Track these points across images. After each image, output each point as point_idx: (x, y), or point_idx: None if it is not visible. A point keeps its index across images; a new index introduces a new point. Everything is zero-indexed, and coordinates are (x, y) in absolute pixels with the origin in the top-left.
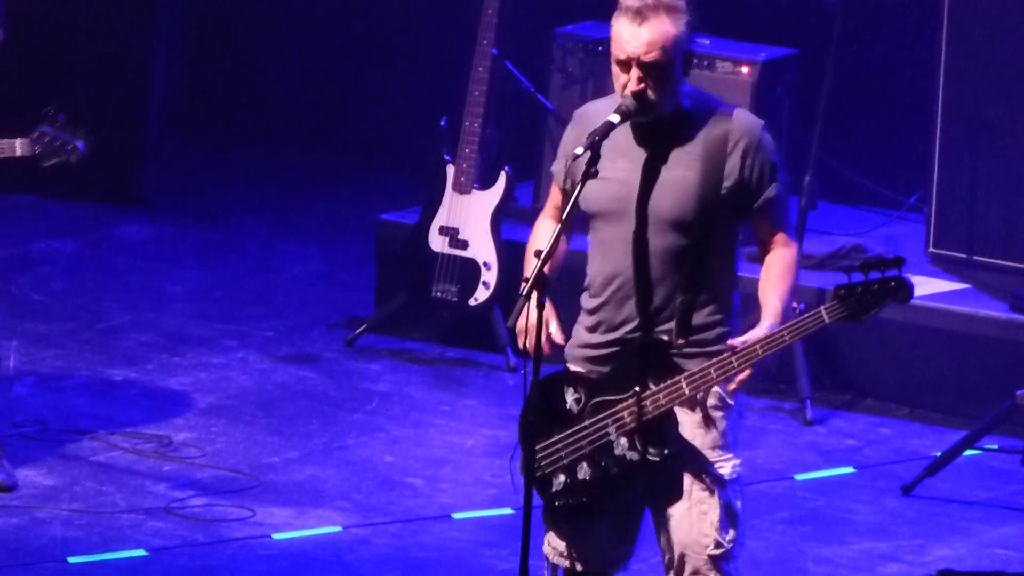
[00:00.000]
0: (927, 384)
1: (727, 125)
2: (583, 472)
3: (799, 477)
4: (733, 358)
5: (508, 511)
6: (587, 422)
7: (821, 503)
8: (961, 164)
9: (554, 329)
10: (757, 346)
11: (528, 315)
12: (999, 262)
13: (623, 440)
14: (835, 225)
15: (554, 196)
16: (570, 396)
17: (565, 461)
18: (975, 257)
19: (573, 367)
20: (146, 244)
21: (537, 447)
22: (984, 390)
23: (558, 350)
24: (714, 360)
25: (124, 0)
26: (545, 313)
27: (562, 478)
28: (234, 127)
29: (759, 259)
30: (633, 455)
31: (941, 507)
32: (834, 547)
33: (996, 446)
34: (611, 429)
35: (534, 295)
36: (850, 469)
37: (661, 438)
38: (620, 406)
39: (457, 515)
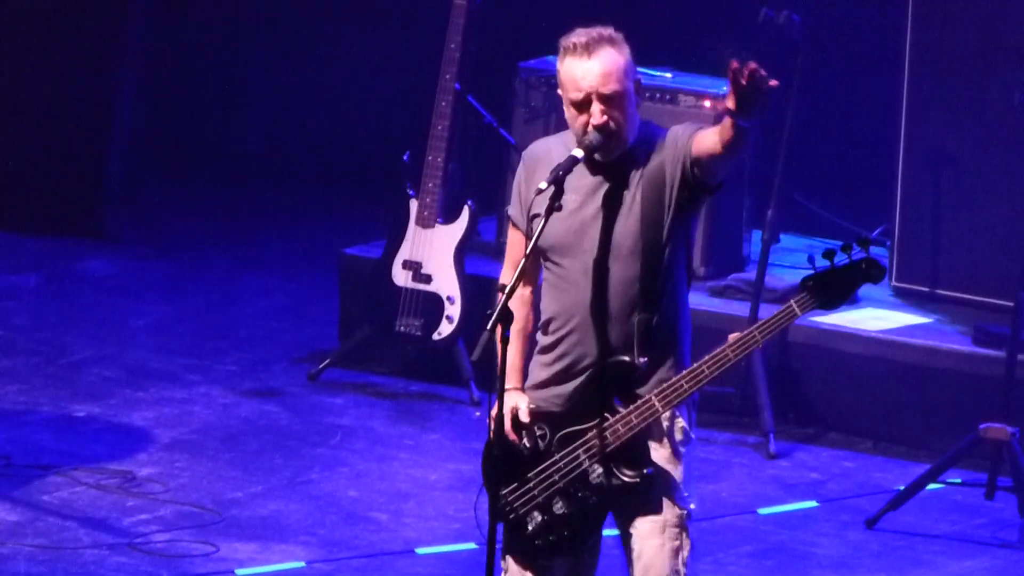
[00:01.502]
0: (891, 417)
1: (661, 144)
2: (559, 507)
3: (763, 511)
4: (704, 367)
5: (472, 546)
6: (556, 456)
7: (785, 537)
8: (924, 198)
9: (523, 413)
10: (728, 350)
11: (498, 409)
12: (962, 295)
13: (598, 468)
14: (797, 258)
15: (513, 245)
16: (532, 432)
17: (539, 499)
18: (938, 291)
19: (534, 405)
20: (109, 279)
21: (506, 491)
22: (947, 423)
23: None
24: (685, 372)
25: (86, 35)
26: (515, 402)
27: (538, 517)
28: (198, 162)
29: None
30: (610, 480)
31: (905, 541)
32: None
33: (959, 480)
34: (584, 459)
35: (498, 329)
36: (813, 503)
37: (635, 460)
38: (589, 435)
39: (421, 550)
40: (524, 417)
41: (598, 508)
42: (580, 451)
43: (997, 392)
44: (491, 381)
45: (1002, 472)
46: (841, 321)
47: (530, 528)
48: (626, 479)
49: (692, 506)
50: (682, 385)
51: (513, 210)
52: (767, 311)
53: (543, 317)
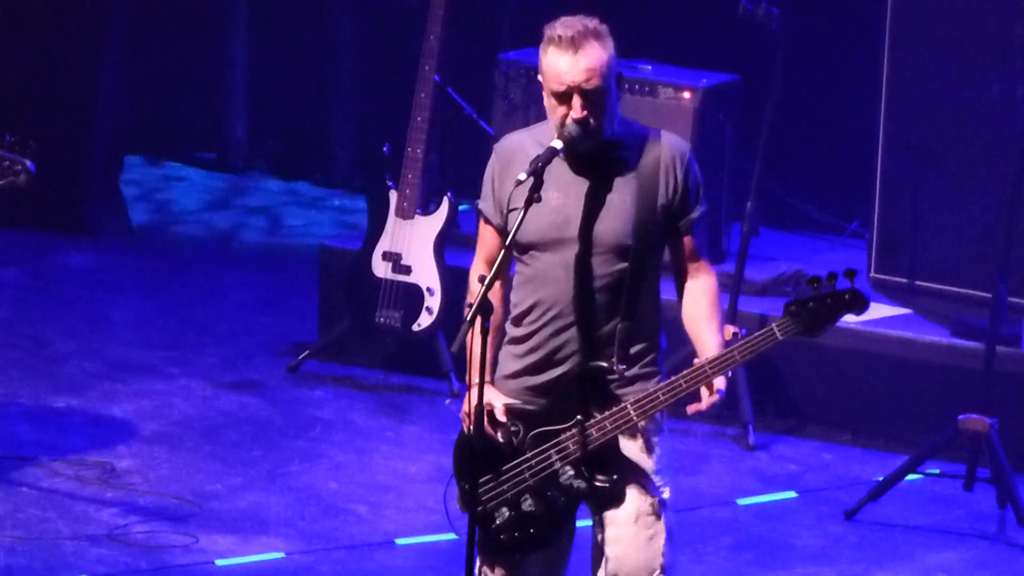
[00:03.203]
0: (869, 409)
1: (657, 147)
2: (528, 504)
3: (742, 502)
4: (682, 380)
5: (452, 537)
6: (529, 455)
7: (764, 529)
8: (902, 190)
9: (499, 411)
10: (707, 366)
11: (478, 401)
12: (940, 287)
13: (569, 470)
14: (776, 251)
15: (485, 240)
16: (506, 428)
17: (508, 495)
18: (916, 283)
19: (506, 399)
20: (90, 272)
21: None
22: (926, 415)
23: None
24: (662, 384)
25: (66, 28)
26: (489, 398)
27: (506, 512)
28: (178, 153)
29: (677, 282)
30: (580, 484)
31: (883, 532)
32: (777, 572)
33: (938, 471)
34: (555, 460)
35: (478, 320)
36: (792, 494)
37: (607, 465)
38: (563, 436)
39: (401, 541)
40: (500, 416)
41: (566, 508)
42: (553, 452)
43: (976, 384)
44: (468, 373)
45: (981, 463)
46: None
47: (497, 522)
48: (596, 483)
49: (665, 494)
50: (659, 396)
51: (484, 204)
52: (747, 304)
53: (517, 309)
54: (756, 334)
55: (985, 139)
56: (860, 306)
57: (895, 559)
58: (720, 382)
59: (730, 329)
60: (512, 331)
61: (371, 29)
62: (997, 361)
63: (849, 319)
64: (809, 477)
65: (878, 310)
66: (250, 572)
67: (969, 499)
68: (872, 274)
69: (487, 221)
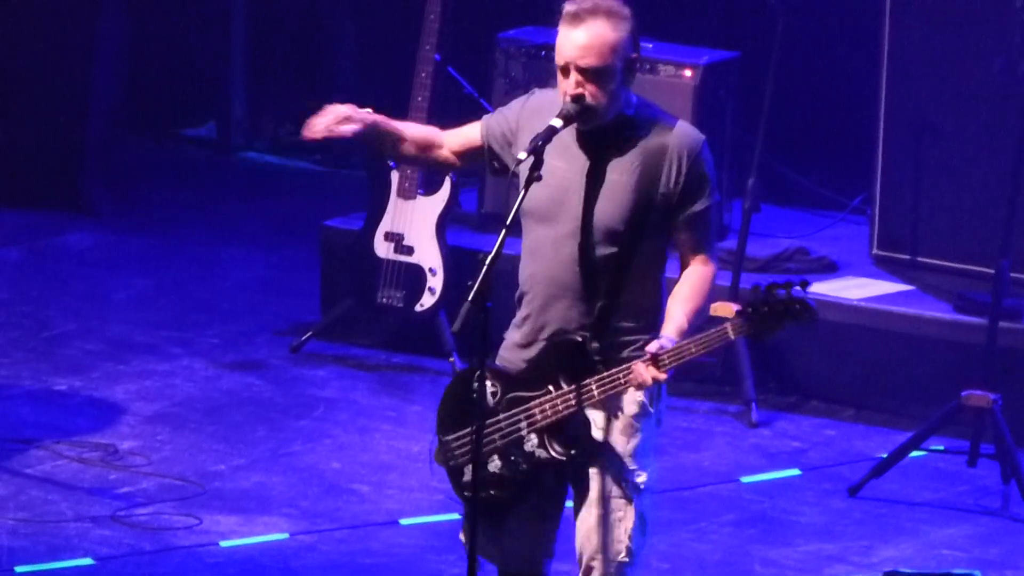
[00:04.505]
0: (872, 385)
1: (667, 136)
2: (493, 465)
3: (745, 479)
4: (640, 366)
5: (455, 516)
6: (501, 416)
7: (767, 505)
8: (904, 166)
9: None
10: (665, 356)
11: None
12: (943, 263)
13: (533, 437)
14: (778, 228)
15: (465, 130)
16: (487, 389)
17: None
18: (919, 259)
19: (498, 362)
20: (90, 251)
21: (450, 437)
22: (929, 391)
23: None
24: (624, 366)
25: (63, 5)
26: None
27: (472, 470)
28: (178, 132)
29: (680, 270)
30: (542, 453)
31: (887, 508)
32: (781, 549)
33: (942, 447)
34: (523, 425)
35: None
36: (796, 471)
37: (569, 438)
38: (533, 403)
39: (404, 521)
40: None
41: (529, 476)
42: (522, 416)
43: (979, 359)
44: (473, 353)
45: (984, 439)
46: (822, 289)
47: (464, 478)
48: (554, 454)
49: (640, 479)
50: (618, 378)
51: (493, 117)
52: (748, 280)
53: (520, 278)
54: (710, 331)
55: (987, 114)
56: (807, 319)
57: (899, 535)
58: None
59: (732, 307)
60: (518, 304)
61: (371, 8)
62: (1000, 336)
63: (852, 294)
64: (812, 454)
65: (881, 286)
66: (254, 552)
67: (973, 475)
68: (874, 251)
69: (484, 128)
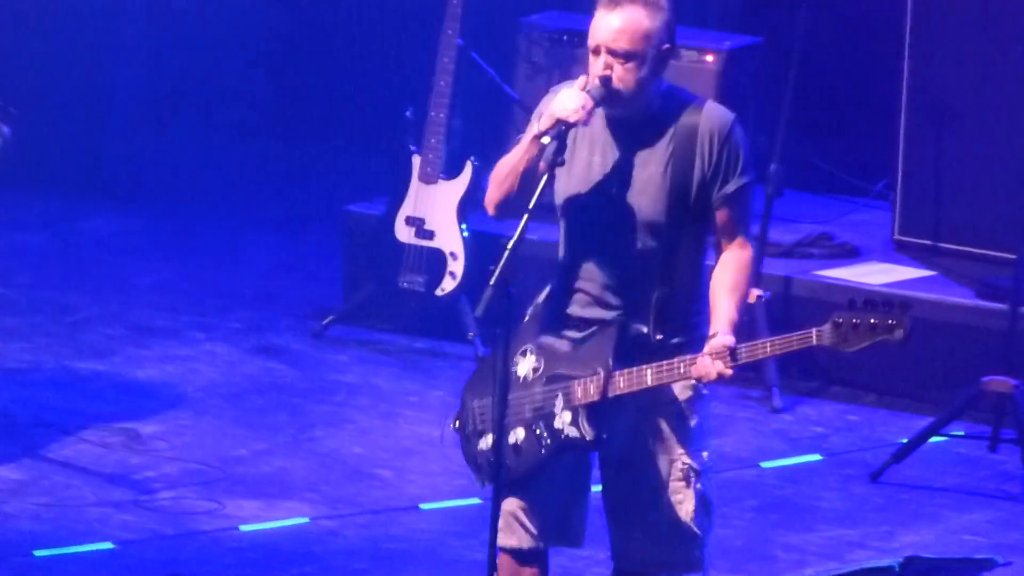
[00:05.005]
0: (894, 371)
1: (697, 118)
2: (515, 436)
3: (766, 465)
4: (708, 359)
5: (477, 501)
6: (536, 390)
7: (789, 491)
8: (926, 151)
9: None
10: (742, 352)
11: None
12: (965, 249)
13: (566, 414)
14: (801, 213)
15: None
16: (529, 363)
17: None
18: (941, 244)
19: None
20: (112, 237)
21: (478, 403)
22: (950, 377)
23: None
24: (687, 358)
25: None
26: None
27: (491, 439)
28: (201, 118)
29: (716, 253)
30: (572, 431)
31: (908, 494)
32: (802, 534)
33: (962, 432)
34: (558, 401)
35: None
36: (817, 456)
37: (602, 421)
38: (575, 382)
39: (425, 506)
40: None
41: (549, 455)
42: (560, 392)
43: (1000, 345)
44: (494, 338)
45: (1005, 424)
46: (844, 275)
47: (480, 446)
48: (584, 433)
49: (699, 461)
50: (676, 368)
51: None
52: (770, 266)
53: (561, 262)
54: (794, 334)
55: (1009, 98)
56: (900, 336)
57: (920, 520)
58: (730, 369)
59: (754, 292)
60: (558, 286)
61: None
62: (1021, 322)
63: (874, 280)
64: (834, 439)
65: (903, 272)
66: (275, 537)
67: (994, 460)
68: (896, 236)
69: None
